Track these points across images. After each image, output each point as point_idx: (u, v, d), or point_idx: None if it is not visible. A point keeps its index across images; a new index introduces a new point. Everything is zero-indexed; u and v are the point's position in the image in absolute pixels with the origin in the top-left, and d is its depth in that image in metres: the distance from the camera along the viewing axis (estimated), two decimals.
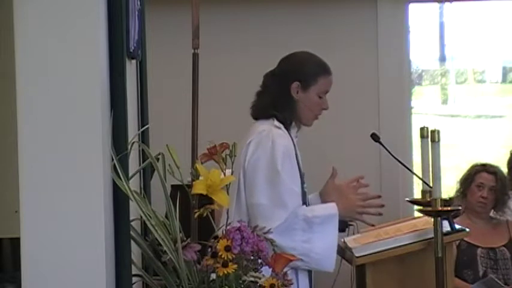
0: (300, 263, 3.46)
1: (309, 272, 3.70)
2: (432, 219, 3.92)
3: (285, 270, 2.48)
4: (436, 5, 5.92)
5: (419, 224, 4.14)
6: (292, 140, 3.67)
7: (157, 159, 2.55)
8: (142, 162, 2.87)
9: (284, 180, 3.50)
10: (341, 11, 5.54)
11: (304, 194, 3.68)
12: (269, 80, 3.73)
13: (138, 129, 3.01)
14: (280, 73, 3.72)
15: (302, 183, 3.66)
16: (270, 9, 5.50)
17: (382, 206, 3.69)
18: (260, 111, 3.70)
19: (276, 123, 3.63)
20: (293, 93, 3.67)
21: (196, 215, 2.49)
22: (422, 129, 4.14)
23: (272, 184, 3.50)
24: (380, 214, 3.69)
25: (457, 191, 5.10)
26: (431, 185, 3.99)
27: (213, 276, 2.41)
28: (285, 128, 3.65)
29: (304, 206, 3.61)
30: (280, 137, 3.57)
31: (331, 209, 3.61)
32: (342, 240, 4.15)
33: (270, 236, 2.52)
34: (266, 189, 3.50)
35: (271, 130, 3.58)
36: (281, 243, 3.01)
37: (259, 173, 3.50)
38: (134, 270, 2.48)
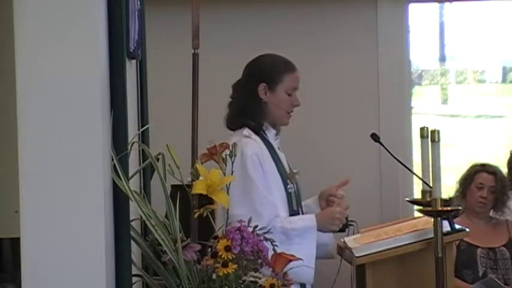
0: None
1: None
2: (432, 219, 3.92)
3: None
4: (436, 5, 5.92)
5: (419, 224, 4.14)
6: (269, 143, 3.67)
7: (157, 159, 2.55)
8: (142, 162, 2.88)
9: (257, 185, 3.51)
10: (341, 11, 5.53)
11: (289, 196, 3.67)
12: (237, 89, 3.75)
13: (138, 129, 3.01)
14: (245, 79, 3.74)
15: (285, 184, 3.66)
16: (270, 9, 5.50)
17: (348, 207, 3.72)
18: (232, 122, 3.72)
19: (246, 132, 3.64)
20: (261, 95, 3.68)
21: (196, 215, 2.49)
22: (422, 129, 4.14)
23: (245, 192, 3.49)
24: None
25: (457, 191, 5.09)
26: (431, 185, 3.99)
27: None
28: (258, 133, 3.65)
29: (282, 217, 3.57)
30: (248, 146, 3.57)
31: (309, 220, 3.61)
32: (342, 240, 4.15)
33: None
34: (240, 199, 3.47)
35: (240, 141, 3.57)
36: None
37: (232, 184, 3.47)
38: (134, 270, 2.48)
